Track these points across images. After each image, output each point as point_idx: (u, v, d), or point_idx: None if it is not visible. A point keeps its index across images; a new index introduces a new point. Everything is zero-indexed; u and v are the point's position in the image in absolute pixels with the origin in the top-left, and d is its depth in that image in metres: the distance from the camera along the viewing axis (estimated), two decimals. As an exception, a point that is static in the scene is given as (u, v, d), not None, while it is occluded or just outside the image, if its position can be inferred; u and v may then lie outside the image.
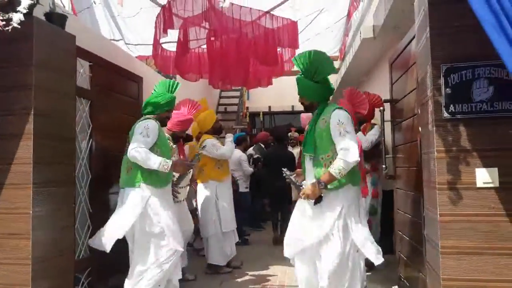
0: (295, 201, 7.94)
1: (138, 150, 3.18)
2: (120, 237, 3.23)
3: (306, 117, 5.98)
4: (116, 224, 3.27)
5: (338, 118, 2.93)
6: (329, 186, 2.91)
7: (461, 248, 2.34)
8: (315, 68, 3.04)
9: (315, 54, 3.05)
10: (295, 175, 3.29)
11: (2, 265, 2.81)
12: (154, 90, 3.56)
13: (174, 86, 3.56)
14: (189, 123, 4.34)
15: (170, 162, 3.29)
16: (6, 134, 2.85)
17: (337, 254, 2.91)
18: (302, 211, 3.15)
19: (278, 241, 6.00)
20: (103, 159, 3.87)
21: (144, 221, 3.27)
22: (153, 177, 3.31)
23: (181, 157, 4.31)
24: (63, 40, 3.16)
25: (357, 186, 3.08)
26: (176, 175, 3.89)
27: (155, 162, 3.22)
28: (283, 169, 3.25)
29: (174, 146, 4.18)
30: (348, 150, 2.84)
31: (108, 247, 3.22)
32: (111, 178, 3.77)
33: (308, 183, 3.04)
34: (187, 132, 4.66)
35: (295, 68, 5.75)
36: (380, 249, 3.04)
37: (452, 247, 2.35)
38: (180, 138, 4.35)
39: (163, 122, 3.57)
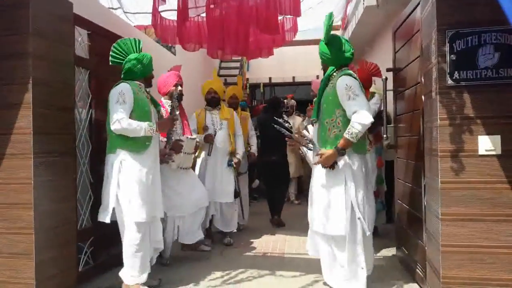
0: (298, 178, 7.44)
1: (120, 122, 3.08)
2: (113, 205, 3.16)
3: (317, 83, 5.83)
4: (105, 193, 3.23)
5: (345, 82, 2.91)
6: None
7: (462, 215, 2.36)
8: (325, 29, 3.03)
9: (326, 16, 3.06)
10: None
11: (5, 235, 2.84)
12: (116, 51, 3.31)
13: (138, 44, 3.35)
14: (170, 80, 4.13)
15: (154, 125, 3.21)
16: (5, 103, 2.82)
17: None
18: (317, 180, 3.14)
19: (279, 223, 5.70)
20: (103, 129, 3.84)
21: (118, 188, 3.16)
22: (129, 142, 3.16)
23: (183, 119, 4.19)
24: (60, 8, 3.09)
25: (362, 154, 3.08)
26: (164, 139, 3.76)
27: (140, 129, 3.13)
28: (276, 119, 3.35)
29: (167, 108, 4.04)
30: (361, 112, 2.81)
31: (105, 218, 3.19)
32: (112, 148, 3.75)
33: (317, 147, 3.07)
34: None
35: (297, 38, 5.72)
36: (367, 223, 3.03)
37: (452, 214, 2.37)
38: (180, 98, 4.07)
39: (149, 83, 3.45)
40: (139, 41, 3.39)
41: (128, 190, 3.14)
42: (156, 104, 3.54)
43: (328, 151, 2.90)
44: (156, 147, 3.39)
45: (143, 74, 3.36)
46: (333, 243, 3.04)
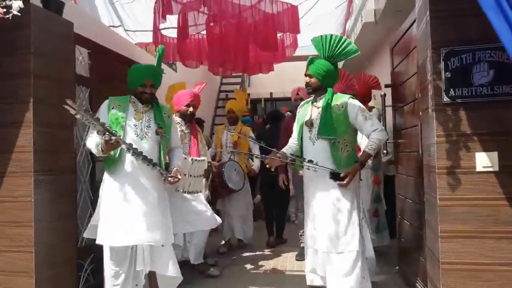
0: (296, 196, 7.22)
1: (86, 140, 3.01)
2: (93, 223, 3.10)
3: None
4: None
5: (358, 105, 3.07)
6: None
7: (461, 232, 2.35)
8: (337, 49, 3.05)
9: (337, 37, 3.09)
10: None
11: (5, 253, 2.84)
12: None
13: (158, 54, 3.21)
14: (183, 99, 4.10)
15: (100, 143, 2.83)
16: (6, 122, 2.85)
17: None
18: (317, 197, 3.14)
19: (273, 245, 5.49)
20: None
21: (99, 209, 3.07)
22: (104, 162, 3.07)
23: (193, 137, 4.12)
24: (61, 27, 3.14)
25: None
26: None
27: (94, 147, 2.89)
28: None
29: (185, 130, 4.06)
30: (380, 129, 3.02)
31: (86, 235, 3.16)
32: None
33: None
34: None
35: (297, 54, 5.76)
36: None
37: (451, 231, 2.36)
38: (190, 118, 4.13)
39: (139, 98, 3.11)
40: (161, 49, 3.24)
41: (102, 212, 3.01)
42: (157, 119, 3.15)
43: (354, 167, 3.01)
44: (138, 167, 3.00)
45: (128, 85, 3.15)
46: (344, 261, 2.98)
